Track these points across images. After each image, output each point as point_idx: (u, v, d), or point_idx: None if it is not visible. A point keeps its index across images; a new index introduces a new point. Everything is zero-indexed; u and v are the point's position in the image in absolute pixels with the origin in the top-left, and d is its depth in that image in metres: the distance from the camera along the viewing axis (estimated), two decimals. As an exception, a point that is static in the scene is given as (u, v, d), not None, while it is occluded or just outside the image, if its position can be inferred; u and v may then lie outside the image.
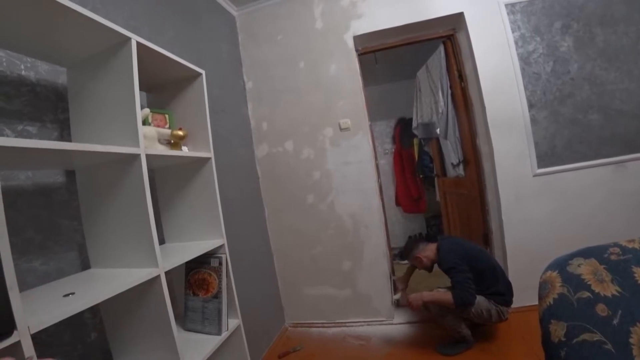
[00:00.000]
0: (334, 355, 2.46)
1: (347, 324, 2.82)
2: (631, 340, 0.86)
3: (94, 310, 1.24)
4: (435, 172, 4.19)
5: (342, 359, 2.41)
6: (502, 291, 2.18)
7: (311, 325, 2.91)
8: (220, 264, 1.42)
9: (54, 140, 1.21)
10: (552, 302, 1.00)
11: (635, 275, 0.97)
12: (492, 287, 2.18)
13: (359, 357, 2.39)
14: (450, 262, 2.19)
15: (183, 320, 1.48)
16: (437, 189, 4.21)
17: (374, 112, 4.36)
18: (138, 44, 1.14)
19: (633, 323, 0.89)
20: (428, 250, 2.40)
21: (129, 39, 1.10)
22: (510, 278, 2.44)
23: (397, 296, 2.61)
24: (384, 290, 2.78)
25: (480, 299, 2.14)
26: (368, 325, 2.77)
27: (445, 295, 2.15)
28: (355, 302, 2.83)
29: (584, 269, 1.02)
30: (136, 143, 1.08)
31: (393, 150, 5.33)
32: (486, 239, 2.79)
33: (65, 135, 1.25)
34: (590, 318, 0.92)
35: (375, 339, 2.58)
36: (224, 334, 1.39)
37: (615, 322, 0.90)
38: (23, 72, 1.15)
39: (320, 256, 2.88)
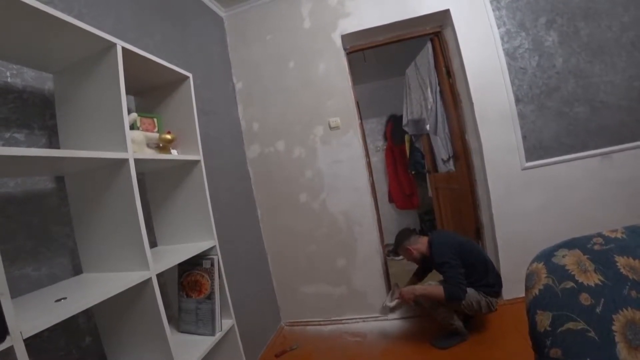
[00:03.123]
0: (330, 353, 2.47)
1: (343, 321, 2.85)
2: (614, 327, 0.88)
3: (88, 314, 1.24)
4: (426, 168, 4.22)
5: (339, 356, 2.43)
6: (491, 283, 2.23)
7: (307, 324, 2.93)
8: (213, 265, 1.43)
9: (43, 146, 1.21)
10: (537, 293, 1.02)
11: (618, 264, 1.00)
12: (483, 279, 2.22)
13: (356, 353, 2.41)
14: (443, 257, 2.21)
15: (177, 322, 1.49)
16: (429, 184, 4.24)
17: (365, 110, 4.39)
18: (124, 49, 1.14)
19: (616, 311, 0.91)
20: (419, 243, 2.42)
21: (115, 44, 1.11)
22: (502, 270, 2.48)
23: (392, 304, 2.55)
24: (379, 287, 2.80)
25: (470, 291, 2.17)
26: (364, 321, 2.79)
27: (437, 290, 2.17)
28: (351, 299, 2.85)
29: (568, 259, 1.04)
30: (124, 148, 1.09)
31: (385, 147, 5.35)
32: (478, 233, 2.82)
33: (53, 142, 1.25)
34: (574, 307, 0.94)
35: (371, 335, 2.60)
36: (218, 335, 1.40)
37: (598, 310, 0.92)
38: (9, 80, 1.15)
39: (314, 254, 2.89)
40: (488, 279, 2.23)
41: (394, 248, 2.56)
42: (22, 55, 1.09)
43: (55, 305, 0.86)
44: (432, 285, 2.26)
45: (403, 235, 2.52)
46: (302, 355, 2.50)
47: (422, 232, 4.80)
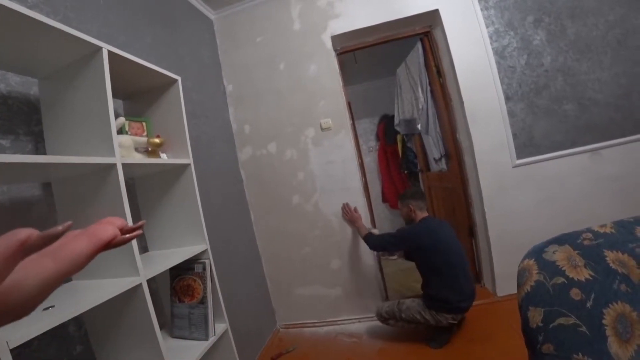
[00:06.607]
0: (327, 355, 2.47)
1: (339, 322, 2.84)
2: (604, 321, 0.89)
3: (78, 322, 1.22)
4: (419, 167, 4.24)
5: (335, 357, 2.42)
6: (451, 299, 2.16)
7: (303, 326, 2.92)
8: (205, 269, 1.42)
9: (29, 152, 1.20)
10: (529, 290, 1.03)
11: (607, 258, 1.01)
12: (441, 291, 2.19)
13: (352, 354, 2.41)
14: (401, 232, 2.40)
15: (170, 328, 1.48)
16: (422, 183, 4.26)
17: (357, 111, 4.40)
18: (110, 52, 1.13)
19: (606, 305, 0.92)
20: (417, 213, 2.43)
21: (100, 48, 1.09)
22: (495, 268, 2.51)
23: (375, 231, 2.72)
24: (374, 287, 2.80)
25: (411, 304, 2.27)
26: (359, 322, 2.79)
27: (364, 231, 2.56)
28: (346, 300, 2.85)
29: (558, 255, 1.05)
30: (112, 153, 1.08)
31: (377, 147, 5.36)
32: (471, 231, 2.84)
33: (40, 148, 1.23)
34: (565, 302, 0.95)
35: (367, 336, 2.60)
36: (212, 339, 1.39)
37: (589, 305, 0.93)
38: (-7, 85, 1.13)
39: (308, 256, 2.89)
40: (449, 293, 2.16)
41: (401, 196, 2.56)
42: (7, 60, 1.07)
43: (43, 314, 0.85)
44: (365, 227, 2.61)
45: (417, 194, 2.51)
46: (298, 357, 2.49)
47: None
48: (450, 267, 2.20)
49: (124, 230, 0.39)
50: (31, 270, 0.29)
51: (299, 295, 2.94)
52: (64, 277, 0.31)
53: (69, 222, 0.31)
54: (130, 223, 1.06)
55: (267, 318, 2.88)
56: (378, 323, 2.51)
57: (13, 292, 0.28)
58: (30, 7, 1.13)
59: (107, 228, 0.36)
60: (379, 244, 2.49)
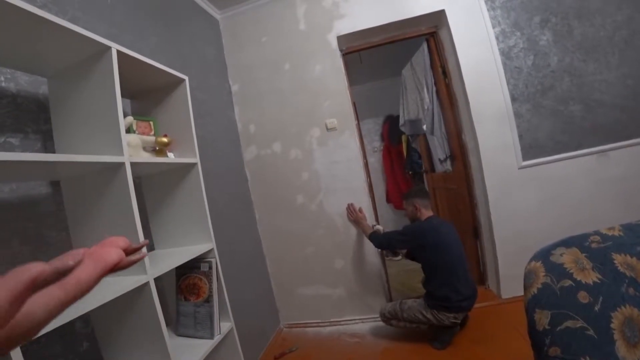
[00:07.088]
0: (330, 354, 2.47)
1: (342, 322, 2.84)
2: (612, 325, 0.89)
3: (85, 319, 1.23)
4: (424, 168, 4.23)
5: (338, 357, 2.42)
6: (446, 296, 2.16)
7: (306, 325, 2.92)
8: (210, 268, 1.42)
9: (37, 151, 1.21)
10: (536, 292, 1.03)
11: (615, 261, 1.00)
12: (439, 290, 2.20)
13: (355, 354, 2.40)
14: (405, 229, 2.43)
15: (175, 326, 1.49)
16: (427, 184, 4.24)
17: (362, 111, 4.41)
18: (118, 52, 1.13)
19: (614, 308, 0.92)
20: (422, 212, 2.43)
21: (109, 47, 1.10)
22: (500, 269, 2.50)
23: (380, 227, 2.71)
24: (377, 287, 2.80)
25: (412, 304, 2.28)
26: (362, 322, 2.79)
27: (368, 230, 2.58)
28: (349, 300, 2.85)
29: (566, 258, 1.05)
30: (120, 151, 1.08)
31: (382, 147, 5.36)
32: (476, 232, 2.83)
33: (48, 146, 1.24)
34: (573, 305, 0.94)
35: (370, 336, 2.60)
36: (217, 338, 1.39)
37: (596, 308, 0.92)
38: (3, 84, 1.14)
39: (312, 256, 2.89)
40: (449, 292, 2.16)
41: (405, 195, 2.56)
42: (16, 60, 1.08)
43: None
44: (370, 227, 2.62)
45: (422, 192, 2.51)
46: (301, 357, 2.49)
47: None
48: (450, 267, 2.22)
49: (128, 251, 0.40)
50: (40, 299, 0.30)
51: (302, 295, 2.94)
52: (71, 303, 0.32)
53: (80, 257, 0.32)
54: (138, 222, 1.07)
55: (270, 317, 2.88)
56: (381, 323, 2.51)
57: (23, 322, 0.29)
58: (39, 7, 1.14)
59: (112, 252, 0.37)
60: (385, 241, 2.47)
